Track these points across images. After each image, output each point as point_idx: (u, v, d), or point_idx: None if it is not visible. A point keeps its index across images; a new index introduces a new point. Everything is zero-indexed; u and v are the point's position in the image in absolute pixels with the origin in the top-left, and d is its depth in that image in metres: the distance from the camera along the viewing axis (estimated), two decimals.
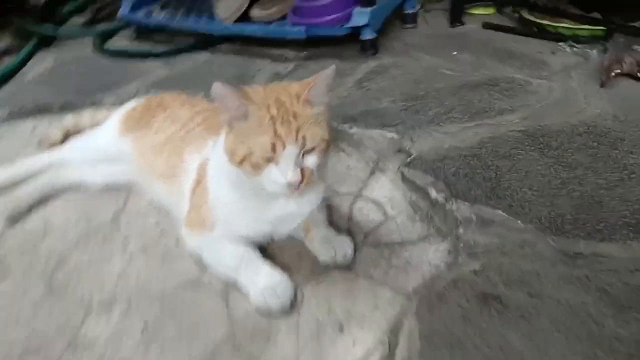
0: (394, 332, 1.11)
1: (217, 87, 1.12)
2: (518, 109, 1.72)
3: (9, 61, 2.87)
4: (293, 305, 1.21)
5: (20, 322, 1.27)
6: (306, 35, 2.40)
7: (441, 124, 1.67)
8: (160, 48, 2.83)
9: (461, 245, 1.19)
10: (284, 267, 1.29)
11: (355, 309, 1.19)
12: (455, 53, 2.31)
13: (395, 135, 1.63)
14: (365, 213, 1.49)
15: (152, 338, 1.19)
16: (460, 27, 2.69)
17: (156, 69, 2.67)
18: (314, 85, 1.17)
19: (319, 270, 1.31)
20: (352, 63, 2.34)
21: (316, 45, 2.63)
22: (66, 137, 2.00)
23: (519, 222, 1.23)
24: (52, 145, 1.96)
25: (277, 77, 2.38)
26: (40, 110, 2.32)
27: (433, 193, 1.35)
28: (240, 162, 1.16)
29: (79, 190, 1.74)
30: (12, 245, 1.53)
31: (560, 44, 2.31)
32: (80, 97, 2.36)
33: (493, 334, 0.95)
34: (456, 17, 2.71)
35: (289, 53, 2.67)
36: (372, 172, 1.64)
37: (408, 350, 0.99)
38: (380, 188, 1.57)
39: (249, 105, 1.14)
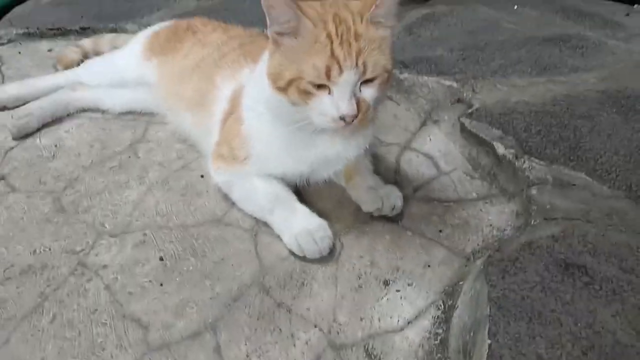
0: (449, 294, 0.96)
1: None
2: (594, 69, 1.53)
3: None
4: (332, 253, 1.06)
5: (26, 239, 1.14)
6: None
7: (506, 76, 1.48)
8: None
9: (534, 207, 1.03)
10: (322, 213, 1.13)
11: (403, 265, 1.04)
12: (516, 7, 2.10)
13: (454, 84, 1.44)
14: (415, 166, 1.32)
15: (170, 272, 1.05)
16: None
17: (183, 0, 2.48)
18: (383, 2, 0.98)
19: (362, 220, 1.15)
20: (399, 9, 2.12)
21: None
22: (83, 59, 1.84)
23: (605, 187, 1.05)
24: (68, 66, 1.80)
25: None
26: (57, 32, 2.16)
27: (500, 149, 1.18)
28: (285, 88, 0.98)
29: (94, 114, 1.59)
30: (21, 161, 1.39)
31: (635, 5, 2.10)
32: (100, 22, 2.19)
33: (580, 308, 0.79)
34: None
35: None
36: (424, 123, 1.46)
37: (472, 315, 0.84)
38: (434, 141, 1.40)
39: (302, 18, 0.95)
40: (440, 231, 1.11)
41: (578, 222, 0.96)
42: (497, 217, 1.13)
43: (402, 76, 1.55)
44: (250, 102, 1.15)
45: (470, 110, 1.33)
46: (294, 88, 0.97)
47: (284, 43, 0.98)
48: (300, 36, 0.96)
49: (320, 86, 0.95)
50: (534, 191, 1.06)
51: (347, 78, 0.94)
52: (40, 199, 1.26)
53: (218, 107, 1.29)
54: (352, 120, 0.97)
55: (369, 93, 0.98)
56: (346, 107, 0.95)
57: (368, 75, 0.96)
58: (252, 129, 1.14)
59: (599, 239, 0.92)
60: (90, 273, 1.06)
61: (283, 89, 0.99)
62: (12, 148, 1.45)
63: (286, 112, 1.02)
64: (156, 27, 1.67)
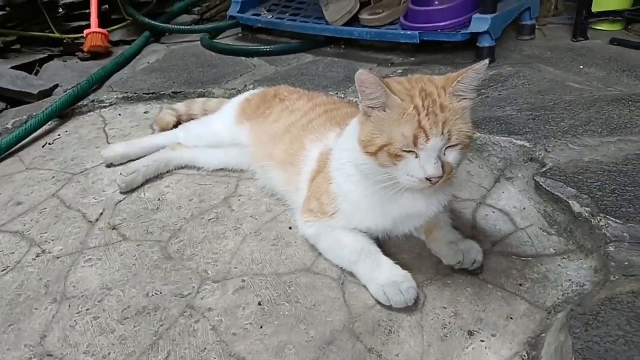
0: (532, 345, 1.01)
1: (361, 74, 1.07)
2: None
3: (121, 51, 3.01)
4: (416, 303, 1.14)
5: (139, 283, 1.29)
6: (420, 39, 2.34)
7: (578, 136, 1.54)
8: (268, 48, 2.86)
9: (613, 264, 1.07)
10: (403, 265, 1.22)
11: (485, 317, 1.10)
12: (582, 67, 2.17)
13: (526, 144, 1.53)
14: (491, 222, 1.40)
15: (267, 315, 1.16)
16: (585, 41, 2.54)
17: (262, 66, 2.71)
18: (464, 77, 1.10)
19: (443, 273, 1.23)
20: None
21: (425, 51, 2.57)
22: (178, 122, 2.06)
23: None
24: (164, 127, 2.03)
25: None
26: (152, 96, 2.42)
27: (576, 207, 1.24)
28: (375, 153, 1.11)
29: (190, 170, 1.79)
30: (129, 213, 1.58)
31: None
32: (189, 87, 2.44)
33: None
34: (580, 31, 2.56)
35: (396, 58, 2.62)
36: (497, 180, 1.54)
37: None
38: (508, 197, 1.47)
39: (390, 94, 1.08)
40: (520, 285, 1.17)
41: None
42: (575, 272, 1.18)
43: (474, 135, 1.64)
44: (338, 163, 1.28)
45: (544, 169, 1.40)
46: (384, 152, 1.09)
47: (373, 114, 1.12)
48: (389, 109, 1.09)
49: (408, 151, 1.07)
50: (611, 248, 1.11)
51: (433, 145, 1.05)
52: (149, 247, 1.42)
53: (306, 166, 1.43)
54: (437, 181, 1.08)
55: (452, 157, 1.10)
56: (432, 169, 1.06)
57: (452, 142, 1.08)
58: (340, 187, 1.27)
59: None
60: (198, 315, 1.18)
61: (373, 153, 1.12)
62: (120, 201, 1.65)
63: (374, 173, 1.15)
64: (247, 95, 1.86)
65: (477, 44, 2.31)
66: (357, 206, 1.24)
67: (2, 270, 1.37)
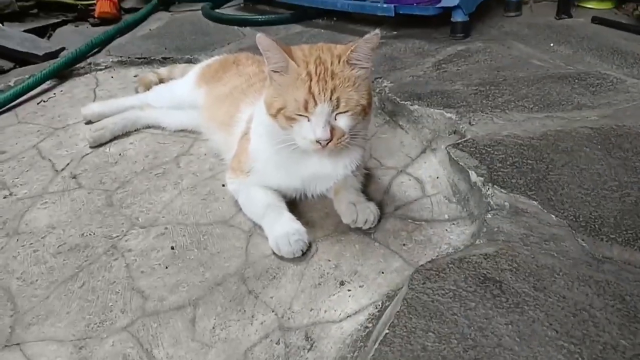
0: (390, 297, 1.10)
1: (261, 39, 1.16)
2: (600, 106, 1.57)
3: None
4: (305, 255, 1.24)
5: (79, 225, 1.45)
6: (395, 12, 2.37)
7: (507, 110, 1.57)
8: (260, 18, 2.95)
9: (484, 230, 1.13)
10: (309, 222, 1.33)
11: (361, 270, 1.20)
12: (552, 45, 2.15)
13: (454, 116, 1.57)
14: (404, 188, 1.47)
15: (176, 259, 1.30)
16: (567, 19, 2.49)
17: (251, 35, 2.80)
18: (357, 47, 1.17)
19: (341, 231, 1.33)
20: (438, 45, 2.27)
21: (408, 25, 2.59)
22: (160, 82, 2.19)
23: (553, 216, 1.13)
24: (148, 86, 2.16)
25: None
26: (144, 61, 2.57)
27: (473, 176, 1.29)
28: (275, 115, 1.21)
29: (156, 130, 1.93)
30: (91, 165, 1.74)
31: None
32: (179, 53, 2.58)
33: (479, 314, 0.90)
34: (564, 9, 2.50)
35: (379, 32, 2.65)
36: (424, 151, 1.60)
37: (390, 312, 0.97)
38: (428, 167, 1.54)
39: (288, 59, 1.17)
40: (404, 245, 1.25)
41: (516, 245, 1.06)
42: (457, 237, 1.25)
43: (412, 107, 1.70)
44: (255, 125, 1.39)
45: (459, 141, 1.45)
46: (282, 115, 1.19)
47: (275, 78, 1.21)
48: (287, 74, 1.18)
49: (302, 114, 1.17)
50: (489, 215, 1.17)
51: (321, 110, 1.14)
52: (97, 195, 1.58)
53: (239, 128, 1.54)
54: (327, 144, 1.17)
55: (343, 122, 1.18)
56: (320, 132, 1.15)
57: (341, 109, 1.16)
58: (255, 147, 1.37)
59: (527, 260, 1.01)
60: (118, 254, 1.33)
61: (274, 115, 1.22)
62: (87, 154, 1.81)
63: (277, 134, 1.25)
64: (210, 60, 1.98)
65: (451, 19, 2.31)
66: (267, 165, 1.35)
67: None
